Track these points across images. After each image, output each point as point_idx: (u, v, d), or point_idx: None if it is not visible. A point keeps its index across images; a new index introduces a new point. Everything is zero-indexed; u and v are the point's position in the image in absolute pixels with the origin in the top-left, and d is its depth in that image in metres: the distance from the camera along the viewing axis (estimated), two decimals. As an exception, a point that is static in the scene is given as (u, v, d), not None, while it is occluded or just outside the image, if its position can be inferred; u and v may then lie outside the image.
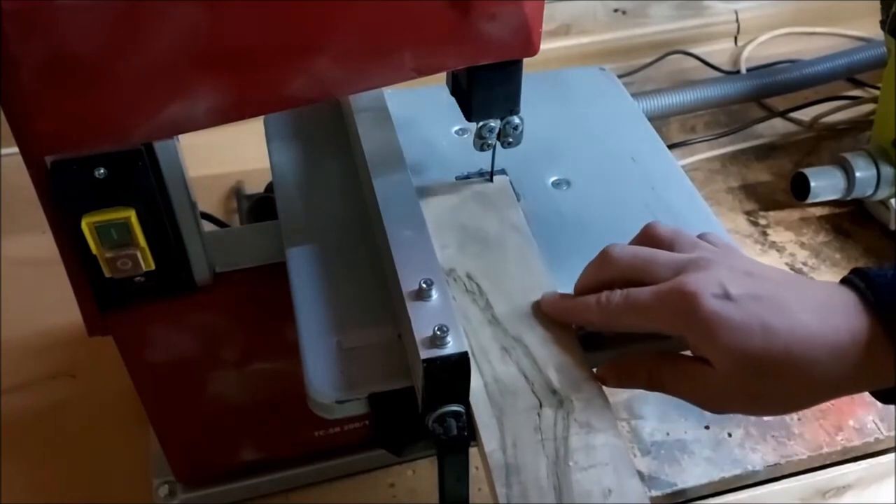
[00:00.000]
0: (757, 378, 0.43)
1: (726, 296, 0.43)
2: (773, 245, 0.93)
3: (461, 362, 0.43)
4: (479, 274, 0.52)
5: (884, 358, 0.42)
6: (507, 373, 0.46)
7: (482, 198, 0.58)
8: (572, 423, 0.44)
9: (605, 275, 0.48)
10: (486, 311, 0.50)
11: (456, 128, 0.65)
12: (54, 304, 0.68)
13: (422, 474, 0.71)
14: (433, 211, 0.56)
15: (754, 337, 0.42)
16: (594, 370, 0.47)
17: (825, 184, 0.90)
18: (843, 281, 0.45)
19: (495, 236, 0.55)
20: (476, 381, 0.45)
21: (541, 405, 0.45)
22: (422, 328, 0.44)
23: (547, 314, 0.49)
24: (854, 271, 0.44)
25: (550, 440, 0.43)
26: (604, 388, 0.46)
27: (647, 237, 0.50)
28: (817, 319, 0.42)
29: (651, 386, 0.47)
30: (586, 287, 0.49)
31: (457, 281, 0.51)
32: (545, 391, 0.45)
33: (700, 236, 0.49)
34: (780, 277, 0.46)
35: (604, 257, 0.48)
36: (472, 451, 0.45)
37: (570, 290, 0.51)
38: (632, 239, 0.50)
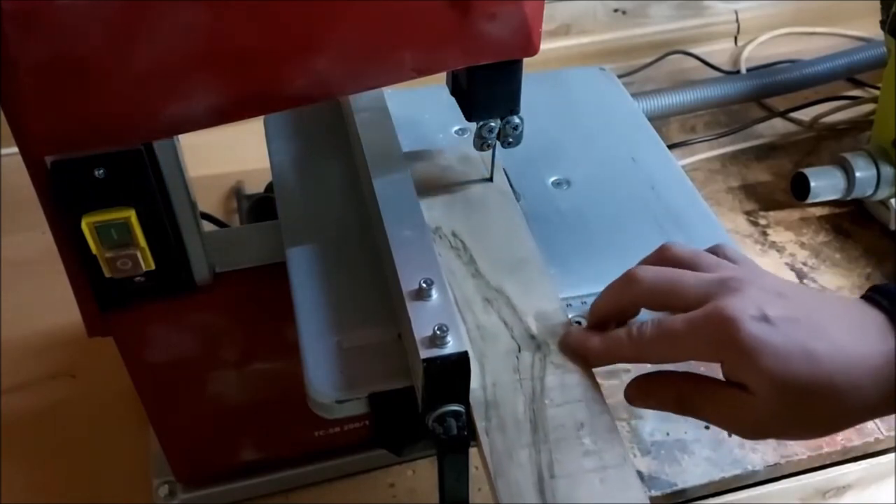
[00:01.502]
0: (798, 404, 0.41)
1: (765, 319, 0.41)
2: (773, 245, 0.93)
3: (461, 362, 0.43)
4: (463, 231, 0.54)
5: None
6: (488, 321, 0.49)
7: (467, 161, 0.60)
8: (548, 364, 0.46)
9: (627, 296, 0.46)
10: (469, 265, 0.52)
11: (456, 128, 0.65)
12: (54, 304, 0.67)
13: (422, 474, 0.71)
14: (421, 174, 0.58)
15: (797, 362, 0.40)
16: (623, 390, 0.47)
17: (825, 184, 0.90)
18: (867, 299, 0.43)
19: (479, 197, 0.57)
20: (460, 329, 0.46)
21: (519, 349, 0.47)
22: (422, 328, 0.44)
23: (575, 351, 0.47)
24: (877, 290, 0.43)
25: (528, 380, 0.46)
26: (601, 383, 0.46)
27: (664, 259, 0.47)
28: (854, 342, 0.41)
29: (681, 409, 0.45)
30: (607, 309, 0.47)
31: (442, 238, 0.54)
32: (524, 337, 0.48)
33: (711, 249, 0.48)
34: (809, 296, 0.44)
35: (627, 278, 0.46)
36: (472, 451, 0.45)
37: (568, 289, 0.52)
38: (645, 259, 0.48)
